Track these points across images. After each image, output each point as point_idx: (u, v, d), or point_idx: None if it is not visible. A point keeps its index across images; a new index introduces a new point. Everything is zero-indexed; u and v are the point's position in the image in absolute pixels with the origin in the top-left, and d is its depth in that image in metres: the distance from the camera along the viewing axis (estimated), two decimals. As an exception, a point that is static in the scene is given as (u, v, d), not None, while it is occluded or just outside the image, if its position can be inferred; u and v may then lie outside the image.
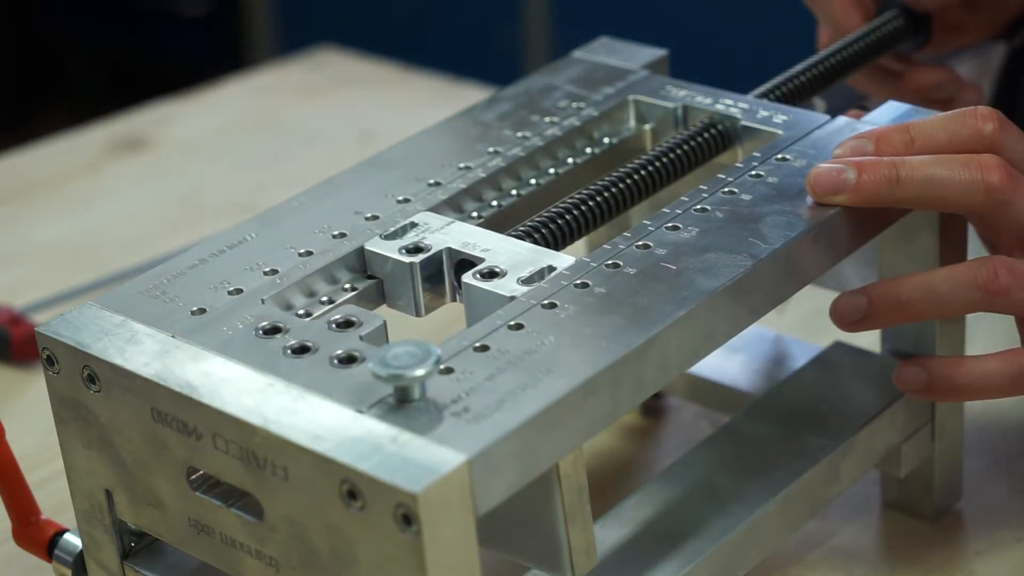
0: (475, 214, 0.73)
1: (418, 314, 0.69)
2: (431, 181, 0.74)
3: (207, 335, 0.64)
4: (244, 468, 0.61)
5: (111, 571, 0.68)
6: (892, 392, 0.75)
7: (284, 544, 0.61)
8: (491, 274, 0.67)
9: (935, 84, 0.89)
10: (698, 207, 0.69)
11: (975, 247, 0.75)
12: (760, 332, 0.85)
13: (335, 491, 0.58)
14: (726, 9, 2.16)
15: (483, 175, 0.74)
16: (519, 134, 0.77)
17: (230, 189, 1.18)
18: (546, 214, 0.71)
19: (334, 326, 0.64)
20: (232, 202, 1.15)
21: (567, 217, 0.71)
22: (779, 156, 0.73)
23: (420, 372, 0.59)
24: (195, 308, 0.66)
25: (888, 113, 0.75)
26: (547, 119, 0.78)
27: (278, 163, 1.21)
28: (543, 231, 0.70)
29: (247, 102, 1.32)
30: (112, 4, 2.82)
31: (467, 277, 0.67)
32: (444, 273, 0.69)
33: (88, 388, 0.65)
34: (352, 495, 0.57)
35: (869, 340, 0.79)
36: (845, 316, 0.72)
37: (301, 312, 0.67)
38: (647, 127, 0.79)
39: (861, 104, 0.80)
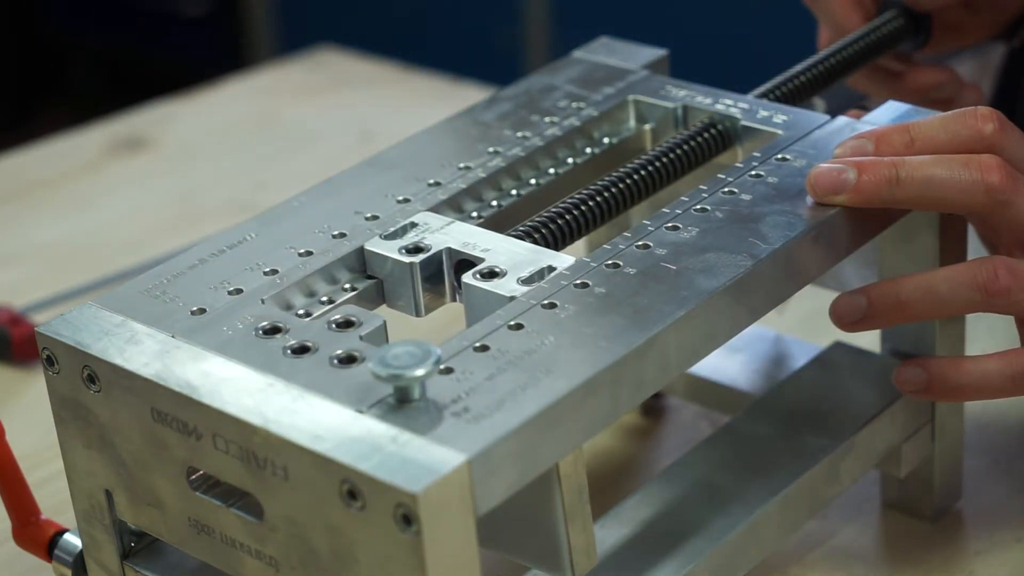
0: (475, 214, 0.73)
1: (418, 314, 0.69)
2: (431, 181, 0.74)
3: (207, 335, 0.64)
4: (244, 468, 0.61)
5: (111, 571, 0.68)
6: (892, 392, 0.75)
7: (284, 544, 0.61)
8: (491, 274, 0.67)
9: (935, 84, 0.89)
10: (698, 207, 0.69)
11: (975, 247, 0.75)
12: (760, 332, 0.85)
13: (335, 491, 0.58)
14: (726, 9, 2.16)
15: (483, 175, 0.74)
16: (519, 134, 0.77)
17: (230, 189, 1.18)
18: (546, 214, 0.71)
19: (334, 326, 0.64)
20: (232, 202, 1.15)
21: (567, 217, 0.71)
22: (779, 156, 0.73)
23: (420, 372, 0.59)
24: (195, 308, 0.66)
25: (888, 113, 0.75)
26: (547, 119, 0.78)
27: (278, 163, 1.21)
28: (543, 231, 0.70)
29: (247, 102, 1.32)
30: (112, 4, 2.82)
31: (467, 277, 0.67)
32: (444, 273, 0.69)
33: (88, 388, 0.65)
34: (352, 495, 0.57)
35: (869, 340, 0.79)
36: (845, 316, 0.72)
37: (301, 312, 0.67)
38: (647, 127, 0.79)
39: (861, 104, 0.80)
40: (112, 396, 0.64)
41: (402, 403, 0.59)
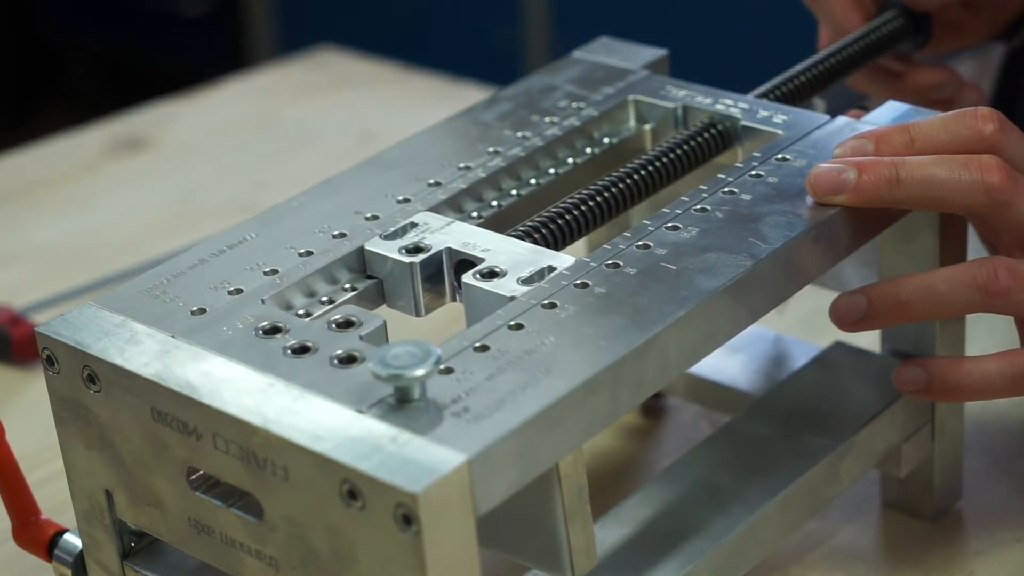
0: (475, 214, 0.73)
1: (418, 314, 0.69)
2: (431, 181, 0.74)
3: (207, 335, 0.64)
4: (244, 468, 0.61)
5: (111, 571, 0.68)
6: (892, 392, 0.75)
7: (284, 544, 0.61)
8: (491, 274, 0.67)
9: (936, 84, 0.89)
10: (698, 207, 0.69)
11: (975, 247, 0.75)
12: (760, 332, 0.85)
13: (335, 491, 0.58)
14: (726, 9, 2.16)
15: (483, 175, 0.74)
16: (519, 134, 0.77)
17: (230, 189, 1.18)
18: (546, 214, 0.71)
19: (334, 326, 0.64)
20: (232, 202, 1.15)
21: (567, 217, 0.71)
22: (779, 156, 0.73)
23: (420, 372, 0.59)
24: (195, 308, 0.66)
25: (888, 113, 0.75)
26: (547, 119, 0.78)
27: (278, 163, 1.21)
28: (543, 231, 0.70)
29: (247, 102, 1.32)
30: (112, 4, 2.82)
31: (467, 277, 0.67)
32: (444, 273, 0.69)
33: (88, 388, 0.65)
34: (352, 495, 0.57)
35: (869, 340, 0.79)
36: (845, 316, 0.72)
37: (301, 312, 0.67)
38: (647, 127, 0.79)
39: (861, 104, 0.80)
40: (112, 396, 0.64)
41: (402, 403, 0.59)
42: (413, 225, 0.70)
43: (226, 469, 0.61)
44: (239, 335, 0.64)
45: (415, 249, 0.69)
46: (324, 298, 0.68)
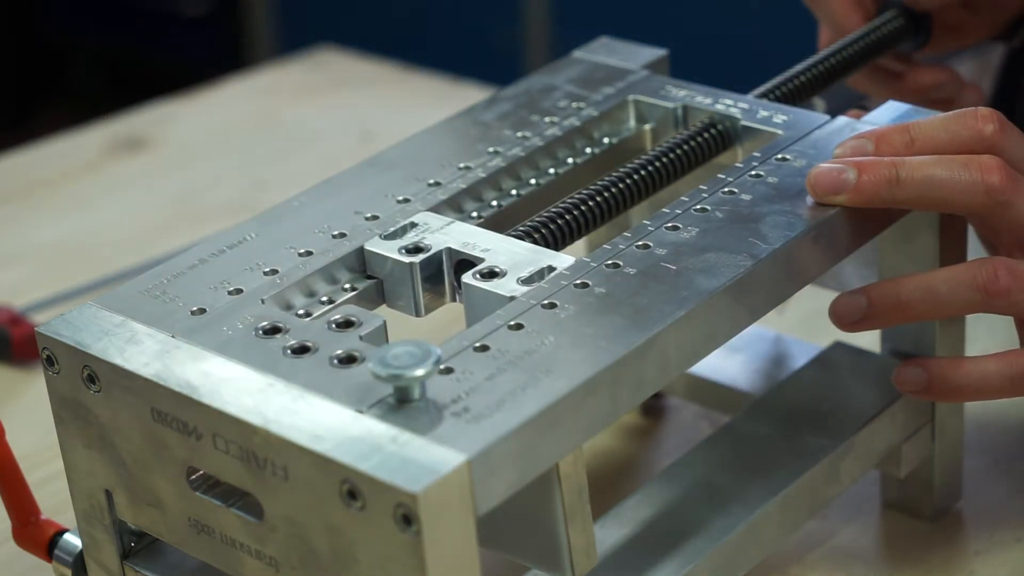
0: (475, 214, 0.73)
1: (418, 314, 0.69)
2: (431, 181, 0.74)
3: (207, 335, 0.64)
4: (244, 468, 0.61)
5: (111, 571, 0.68)
6: (892, 392, 0.75)
7: (284, 544, 0.61)
8: (491, 274, 0.67)
9: (936, 84, 0.89)
10: (698, 207, 0.69)
11: (975, 247, 0.75)
12: (760, 332, 0.85)
13: (335, 491, 0.58)
14: (726, 9, 2.16)
15: (483, 175, 0.74)
16: (519, 134, 0.77)
17: (230, 189, 1.18)
18: (546, 214, 0.71)
19: (334, 326, 0.64)
20: (232, 202, 1.15)
21: (567, 217, 0.71)
22: (779, 156, 0.73)
23: (420, 372, 0.59)
24: (195, 308, 0.66)
25: (888, 113, 0.75)
26: (547, 119, 0.78)
27: (278, 163, 1.21)
28: (543, 231, 0.70)
29: (247, 102, 1.32)
30: (112, 4, 2.82)
31: (467, 277, 0.67)
32: (444, 273, 0.69)
33: (88, 388, 0.65)
34: (352, 495, 0.57)
35: (869, 340, 0.79)
36: (845, 316, 0.72)
37: (301, 312, 0.67)
38: (647, 127, 0.79)
39: (861, 104, 0.80)
40: (112, 396, 0.64)
41: (402, 403, 0.59)
42: (413, 225, 0.70)
43: (226, 469, 0.61)
44: (239, 335, 0.64)
45: (415, 249, 0.69)
46: (324, 298, 0.68)
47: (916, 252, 0.74)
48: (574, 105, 0.79)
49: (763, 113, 0.76)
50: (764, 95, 0.79)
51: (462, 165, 0.75)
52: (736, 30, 2.15)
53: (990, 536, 0.77)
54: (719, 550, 0.69)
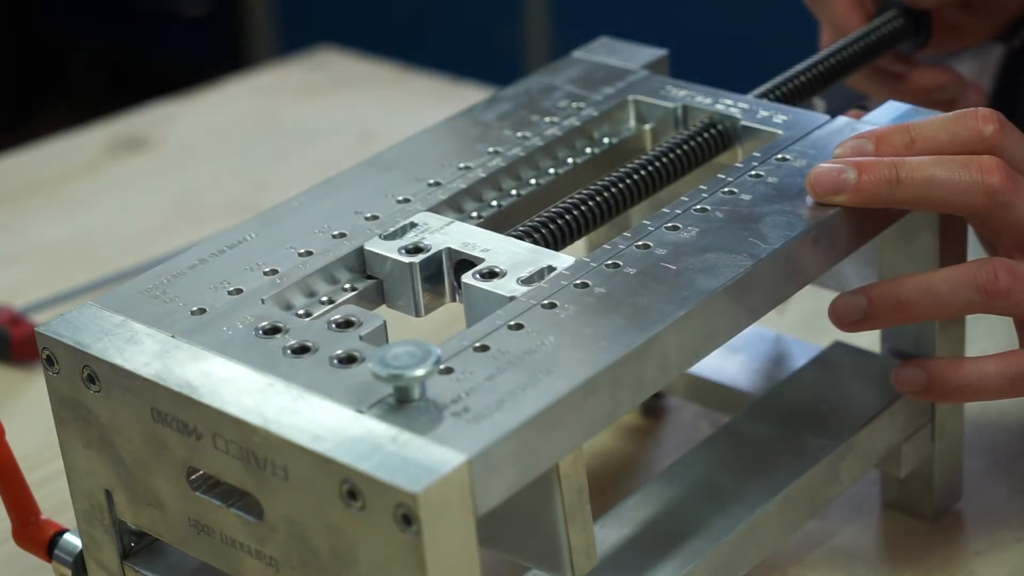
0: (475, 214, 0.73)
1: (418, 314, 0.69)
2: (431, 181, 0.74)
3: (207, 335, 0.64)
4: (244, 468, 0.61)
5: (111, 571, 0.68)
6: (892, 392, 0.75)
7: (284, 544, 0.61)
8: (491, 274, 0.67)
9: (938, 86, 0.89)
10: (698, 207, 0.69)
11: (975, 248, 0.75)
12: (760, 332, 0.85)
13: (335, 491, 0.58)
14: (726, 9, 2.16)
15: (483, 175, 0.74)
16: (519, 134, 0.77)
17: (230, 189, 1.18)
18: (546, 214, 0.71)
19: (334, 326, 0.64)
20: (232, 202, 1.15)
21: (567, 217, 0.71)
22: (779, 156, 0.73)
23: (420, 372, 0.59)
24: (195, 308, 0.66)
25: (888, 113, 0.75)
26: (547, 119, 0.78)
27: (278, 163, 1.21)
28: (543, 231, 0.70)
29: (247, 102, 1.32)
30: (112, 4, 2.82)
31: (467, 277, 0.67)
32: (444, 273, 0.69)
33: (88, 388, 0.65)
34: (352, 495, 0.57)
35: (869, 340, 0.79)
36: (844, 316, 0.72)
37: (301, 312, 0.67)
38: (647, 127, 0.79)
39: (861, 104, 0.80)
40: (112, 396, 0.64)
41: (402, 403, 0.59)
42: (413, 225, 0.70)
43: (226, 469, 0.61)
44: (239, 335, 0.64)
45: (415, 249, 0.69)
46: (324, 298, 0.68)
47: (916, 252, 0.74)
48: (574, 105, 0.79)
49: (763, 113, 0.76)
50: (764, 95, 0.79)
51: (462, 165, 0.75)
52: (736, 30, 2.15)
53: (990, 536, 0.77)
54: (719, 550, 0.69)
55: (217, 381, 0.62)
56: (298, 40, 2.13)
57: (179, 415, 0.62)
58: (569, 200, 0.72)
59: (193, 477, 0.64)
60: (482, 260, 0.67)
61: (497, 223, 0.72)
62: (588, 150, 0.77)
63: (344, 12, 2.51)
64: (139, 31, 2.81)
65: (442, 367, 0.61)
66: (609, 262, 0.66)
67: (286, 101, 1.31)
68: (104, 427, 0.65)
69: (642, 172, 0.74)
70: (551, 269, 0.66)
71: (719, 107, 0.77)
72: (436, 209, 0.72)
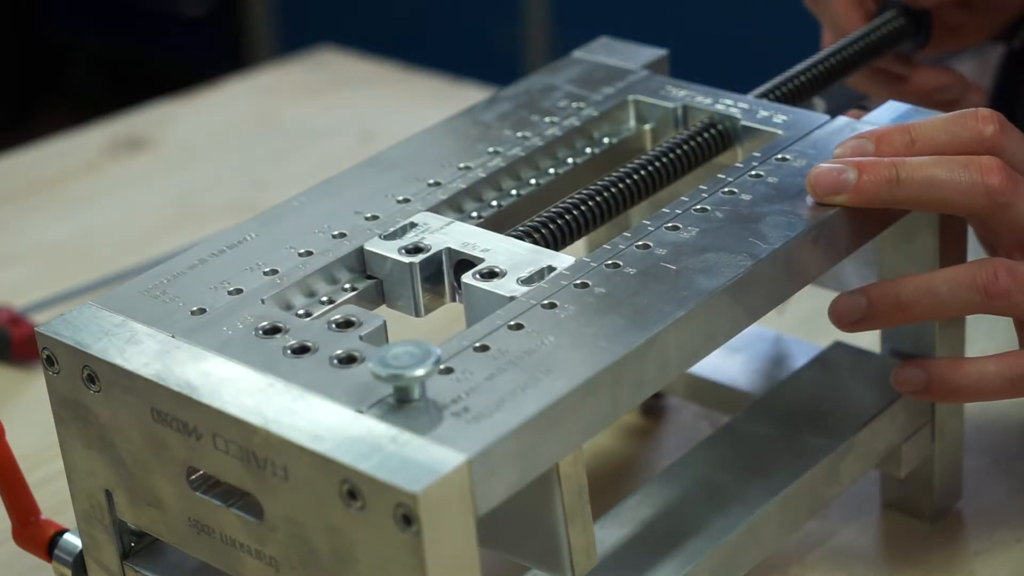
0: (475, 214, 0.73)
1: (418, 314, 0.69)
2: (431, 181, 0.74)
3: (207, 335, 0.64)
4: (244, 468, 0.61)
5: (111, 571, 0.68)
6: (892, 392, 0.75)
7: (284, 544, 0.61)
8: (491, 274, 0.67)
9: (940, 86, 0.89)
10: (698, 207, 0.69)
11: (975, 248, 0.75)
12: (760, 332, 0.85)
13: (335, 491, 0.58)
14: (726, 9, 2.16)
15: (483, 175, 0.74)
16: (519, 134, 0.77)
17: (230, 189, 1.18)
18: (546, 214, 0.71)
19: (334, 326, 0.64)
20: (232, 202, 1.15)
21: (567, 217, 0.71)
22: (779, 156, 0.73)
23: (420, 372, 0.59)
24: (195, 308, 0.66)
25: (888, 113, 0.75)
26: (547, 119, 0.78)
27: (278, 163, 1.21)
28: (543, 231, 0.70)
29: (247, 102, 1.32)
30: (112, 4, 2.82)
31: (467, 277, 0.67)
32: (444, 273, 0.69)
33: (88, 388, 0.65)
34: (352, 495, 0.57)
35: (869, 340, 0.79)
36: (844, 316, 0.72)
37: (301, 312, 0.67)
38: (647, 127, 0.79)
39: (861, 104, 0.80)
40: (112, 396, 0.64)
41: (402, 403, 0.59)
42: (413, 225, 0.70)
43: (226, 469, 0.61)
44: (239, 335, 0.64)
45: (415, 249, 0.69)
46: (324, 298, 0.68)
47: (916, 252, 0.74)
48: (574, 105, 0.79)
49: (763, 113, 0.76)
50: (764, 95, 0.79)
51: (462, 165, 0.75)
52: (736, 30, 2.15)
53: (990, 536, 0.77)
54: (719, 550, 0.69)
55: (217, 381, 0.62)
56: (298, 40, 2.13)
57: (179, 415, 0.62)
58: (569, 200, 0.72)
59: (193, 477, 0.64)
60: (482, 260, 0.67)
61: (497, 223, 0.72)
62: (588, 150, 0.77)
63: (344, 12, 2.51)
64: (139, 31, 2.81)
65: (442, 367, 0.61)
66: (609, 262, 0.66)
67: (286, 101, 1.31)
68: (104, 427, 0.65)
69: (642, 172, 0.74)
70: (551, 269, 0.66)
71: (719, 107, 0.77)
72: (436, 209, 0.72)
